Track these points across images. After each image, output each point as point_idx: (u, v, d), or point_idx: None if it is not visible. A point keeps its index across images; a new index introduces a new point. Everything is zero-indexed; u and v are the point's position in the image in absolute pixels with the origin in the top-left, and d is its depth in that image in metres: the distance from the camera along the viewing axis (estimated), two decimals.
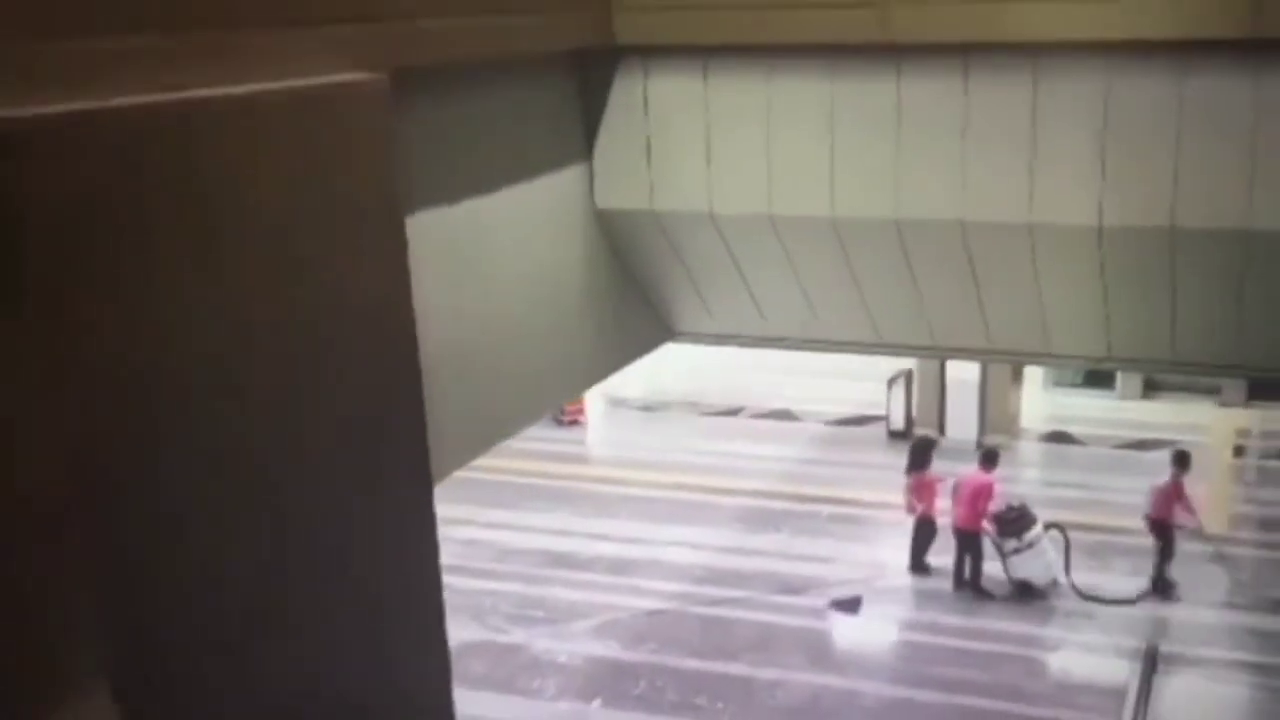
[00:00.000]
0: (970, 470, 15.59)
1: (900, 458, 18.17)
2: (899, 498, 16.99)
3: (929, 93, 6.15)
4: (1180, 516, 15.25)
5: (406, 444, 4.75)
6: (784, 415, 21.72)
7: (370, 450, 4.53)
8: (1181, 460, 15.20)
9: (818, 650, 14.36)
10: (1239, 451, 19.19)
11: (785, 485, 18.81)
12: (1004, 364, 17.09)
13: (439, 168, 5.40)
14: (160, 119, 3.58)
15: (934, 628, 14.63)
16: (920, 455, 16.31)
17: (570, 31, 6.02)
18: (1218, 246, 5.96)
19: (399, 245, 4.62)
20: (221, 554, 3.85)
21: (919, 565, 15.77)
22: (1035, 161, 6.08)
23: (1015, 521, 15.12)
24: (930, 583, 15.68)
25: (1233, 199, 5.79)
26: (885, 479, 18.57)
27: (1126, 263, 6.28)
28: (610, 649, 14.10)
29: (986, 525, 15.13)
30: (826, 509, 17.99)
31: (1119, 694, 13.20)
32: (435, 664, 5.10)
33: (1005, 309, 6.95)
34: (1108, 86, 5.83)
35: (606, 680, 13.43)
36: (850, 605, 15.43)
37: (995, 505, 15.21)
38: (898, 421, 20.39)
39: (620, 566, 16.15)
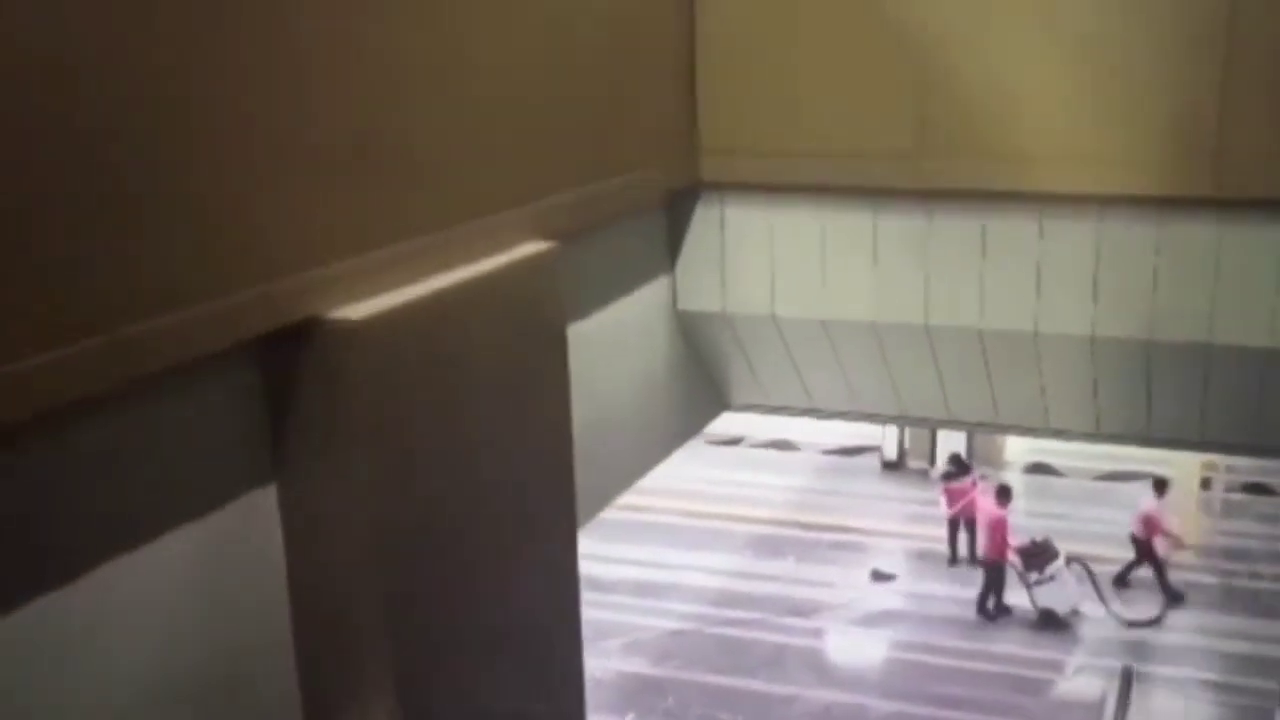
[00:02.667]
0: (988, 504, 17.05)
1: (894, 487, 19.72)
2: (894, 525, 18.62)
3: (954, 227, 7.60)
4: (1161, 535, 16.95)
5: (561, 508, 6.16)
6: (783, 445, 23.15)
7: (538, 515, 5.95)
8: (1160, 486, 16.87)
9: (826, 668, 15.84)
10: (1205, 484, 20.70)
11: (789, 513, 20.27)
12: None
13: (571, 291, 6.80)
14: (434, 304, 5.00)
15: (932, 648, 16.11)
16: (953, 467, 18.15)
17: (670, 178, 7.48)
18: (1186, 355, 7.43)
19: (563, 365, 6.03)
20: (464, 599, 5.28)
21: (996, 609, 17.06)
22: (1041, 284, 7.54)
23: (1038, 555, 16.65)
24: (932, 606, 17.18)
25: (1199, 319, 7.26)
26: (881, 508, 20.10)
27: (1113, 364, 7.74)
28: (638, 665, 15.51)
29: (1011, 558, 16.63)
30: (828, 536, 19.46)
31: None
32: (573, 686, 6.50)
33: (1012, 393, 8.39)
34: (1100, 229, 7.29)
35: (637, 695, 14.85)
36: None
37: (1017, 539, 16.76)
38: (891, 452, 21.87)
39: (643, 589, 17.56)
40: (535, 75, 5.92)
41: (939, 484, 18.81)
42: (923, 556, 18.44)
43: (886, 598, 17.48)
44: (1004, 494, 16.87)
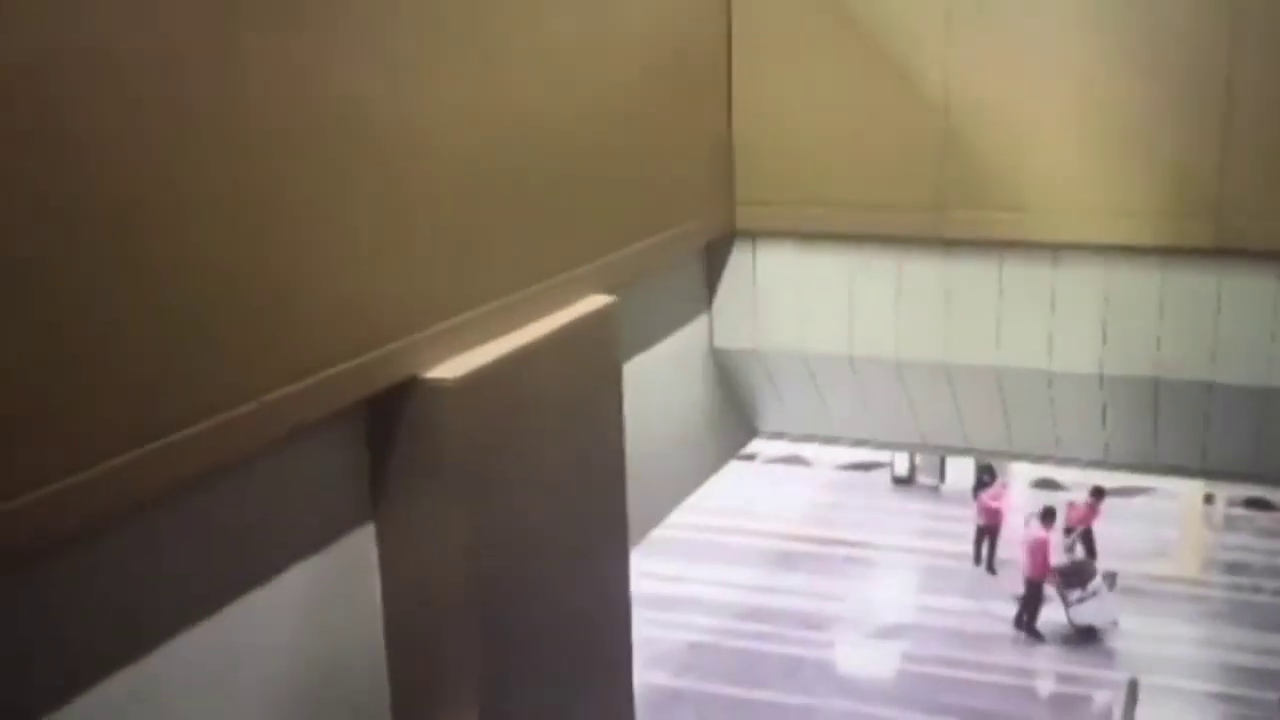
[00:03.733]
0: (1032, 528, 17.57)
1: (905, 503, 20.31)
2: (905, 540, 19.22)
3: (973, 272, 8.18)
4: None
5: (615, 530, 6.75)
6: (796, 460, 23.72)
7: (596, 537, 6.54)
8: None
9: (839, 679, 16.41)
10: (1209, 499, 21.27)
11: (803, 528, 20.83)
12: None
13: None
14: (514, 360, 5.59)
15: (947, 661, 16.68)
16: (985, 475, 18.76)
17: (711, 229, 8.08)
18: (1189, 392, 8.01)
19: (619, 403, 6.62)
20: (534, 619, 5.87)
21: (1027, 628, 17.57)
22: (1053, 326, 8.13)
23: (1077, 574, 17.27)
24: (937, 619, 17.76)
25: (1200, 359, 7.85)
26: (892, 523, 20.66)
27: (1121, 399, 8.31)
28: (661, 678, 16.07)
29: (1053, 577, 17.22)
30: (841, 550, 20.03)
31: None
32: (623, 695, 7.08)
33: (1025, 424, 8.96)
34: (1108, 275, 7.88)
35: (663, 705, 15.41)
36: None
37: (1056, 559, 17.39)
38: (901, 469, 22.45)
39: (663, 602, 18.12)
40: (596, 147, 6.52)
41: (972, 495, 19.52)
42: (934, 571, 19.01)
43: (898, 611, 18.04)
44: (1048, 516, 17.42)
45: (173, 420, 3.97)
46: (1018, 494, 20.15)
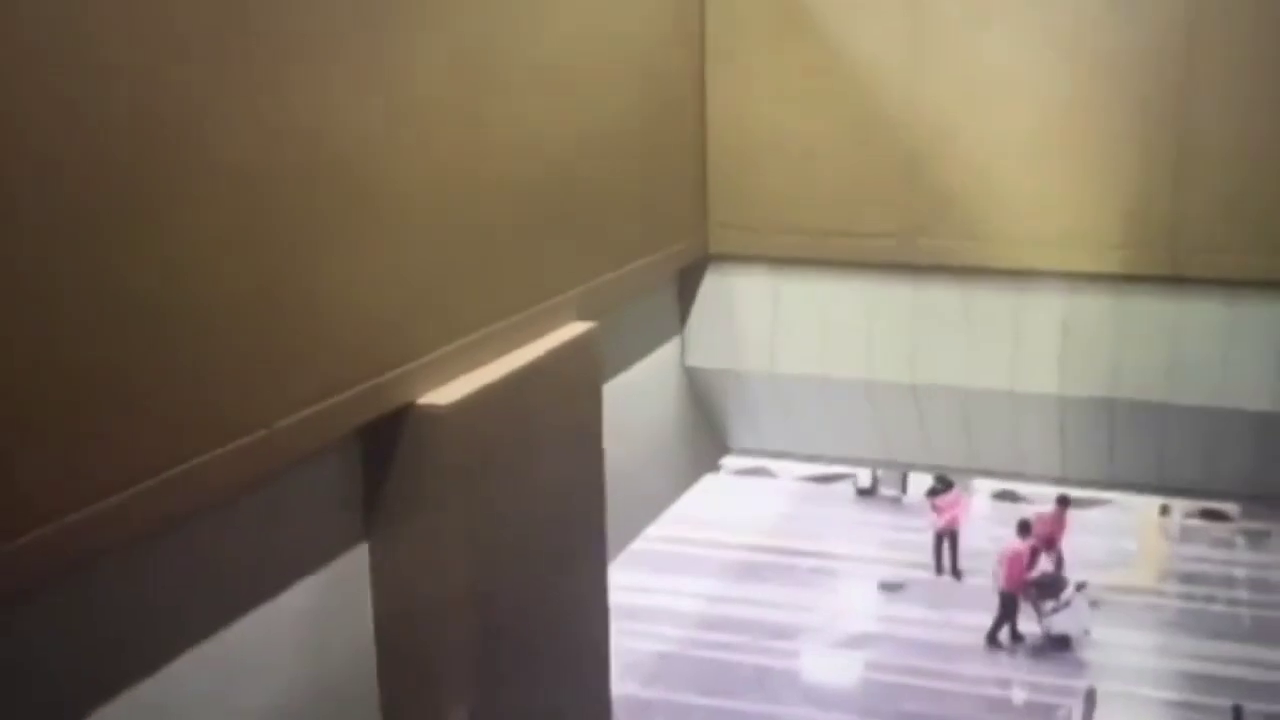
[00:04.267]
0: (1011, 540, 17.91)
1: (868, 514, 20.65)
2: (869, 550, 19.52)
3: (939, 297, 8.48)
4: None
5: (595, 544, 7.00)
6: (760, 472, 23.94)
7: (578, 551, 6.78)
8: (1024, 528, 17.82)
9: (805, 688, 16.69)
10: (1164, 510, 21.66)
11: (768, 539, 21.07)
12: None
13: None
14: (504, 385, 5.82)
15: (908, 669, 16.98)
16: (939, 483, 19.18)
17: (685, 254, 8.35)
18: (1145, 412, 8.33)
19: (599, 423, 6.87)
20: (519, 631, 6.10)
21: (1010, 635, 17.74)
22: (1016, 348, 8.44)
23: (1051, 585, 17.65)
24: (901, 629, 18.06)
25: (1155, 381, 8.17)
26: (855, 534, 20.96)
27: (1079, 418, 8.63)
28: (630, 688, 16.26)
29: (1026, 589, 17.57)
30: (806, 561, 20.30)
31: None
32: (601, 702, 7.32)
33: (988, 442, 9.26)
34: (1069, 301, 8.19)
35: (634, 715, 15.63)
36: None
37: (1032, 571, 17.72)
38: (864, 481, 22.73)
39: (631, 613, 18.30)
40: (577, 180, 6.77)
41: (926, 500, 19.79)
42: (884, 585, 19.31)
43: (863, 621, 18.33)
44: (1024, 528, 17.73)
45: (189, 449, 4.18)
46: (977, 503, 20.53)
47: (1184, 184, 7.63)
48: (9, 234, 3.46)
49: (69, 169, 3.66)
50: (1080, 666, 17.04)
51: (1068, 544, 18.91)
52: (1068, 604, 17.50)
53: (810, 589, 19.40)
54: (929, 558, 19.50)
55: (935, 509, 19.34)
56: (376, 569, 5.65)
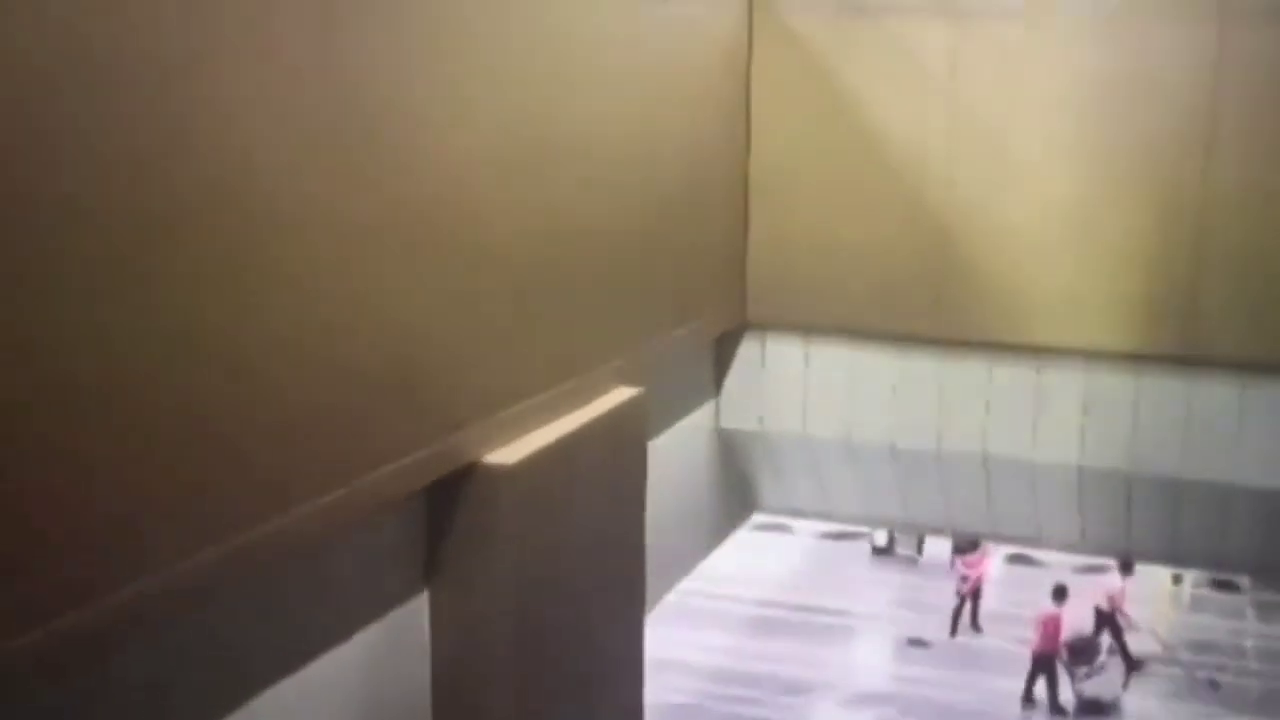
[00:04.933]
0: (1045, 605, 18.28)
1: (883, 573, 20.94)
2: (883, 609, 19.82)
3: (964, 368, 8.87)
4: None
5: (635, 596, 7.38)
6: (779, 528, 24.27)
7: (618, 602, 7.16)
8: (1059, 593, 18.12)
9: None
10: (1177, 579, 21.90)
11: (785, 595, 21.38)
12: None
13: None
14: (560, 446, 6.23)
15: None
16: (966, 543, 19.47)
17: (724, 322, 8.79)
18: (1160, 486, 8.70)
19: (643, 481, 7.27)
20: (563, 680, 6.46)
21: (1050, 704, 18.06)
22: (1037, 420, 8.82)
23: (1086, 650, 18.01)
24: (912, 688, 18.32)
25: (1171, 456, 8.54)
26: (870, 592, 21.25)
27: (1096, 489, 8.99)
28: None
29: (1062, 653, 17.94)
30: (821, 619, 20.59)
31: None
32: None
33: (1008, 508, 9.61)
34: (1088, 376, 8.58)
35: None
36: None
37: (1066, 635, 18.08)
38: (881, 540, 23.04)
39: (649, 664, 18.61)
40: (629, 251, 7.21)
41: (955, 558, 20.21)
42: (911, 641, 19.60)
43: (878, 679, 18.61)
44: (1060, 593, 18.09)
45: (279, 504, 4.58)
46: (995, 565, 20.89)
47: (1201, 270, 8.03)
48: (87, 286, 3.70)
49: (171, 227, 4.01)
50: None
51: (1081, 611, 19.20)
52: (1101, 670, 17.83)
53: (825, 646, 19.67)
54: (945, 618, 19.77)
55: (965, 566, 19.72)
56: (436, 617, 6.03)
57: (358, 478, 4.98)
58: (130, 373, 3.84)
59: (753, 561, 22.44)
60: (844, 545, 23.48)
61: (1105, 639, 18.40)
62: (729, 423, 9.53)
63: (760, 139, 8.70)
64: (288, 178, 4.50)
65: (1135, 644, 18.56)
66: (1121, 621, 18.56)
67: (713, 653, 19.26)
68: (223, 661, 4.67)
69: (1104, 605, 18.41)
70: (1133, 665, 18.35)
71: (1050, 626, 17.72)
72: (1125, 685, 18.02)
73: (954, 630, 19.71)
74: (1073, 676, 17.85)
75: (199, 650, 4.52)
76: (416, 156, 5.28)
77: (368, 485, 5.05)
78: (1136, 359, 8.39)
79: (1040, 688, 17.85)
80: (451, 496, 5.84)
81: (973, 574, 19.65)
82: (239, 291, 4.29)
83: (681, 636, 19.54)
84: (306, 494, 4.71)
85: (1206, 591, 21.60)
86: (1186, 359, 8.27)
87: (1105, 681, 17.93)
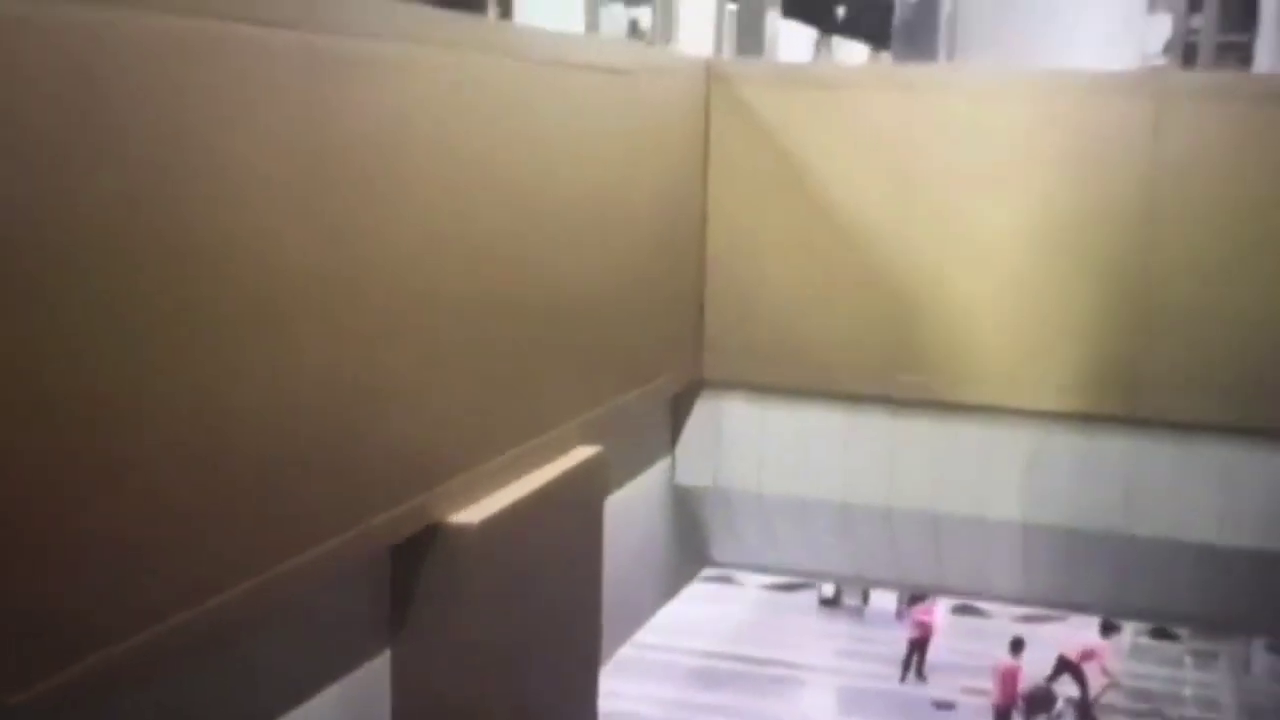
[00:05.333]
0: (1003, 657, 18.76)
1: (830, 624, 21.10)
2: (830, 661, 20.00)
3: (914, 428, 9.05)
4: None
5: (590, 653, 7.47)
6: (725, 579, 24.41)
7: (573, 660, 7.25)
8: (1016, 646, 18.63)
9: None
10: (1110, 628, 22.20)
11: (731, 646, 21.52)
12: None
13: None
14: (523, 505, 6.34)
15: None
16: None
17: (681, 381, 8.94)
18: (1105, 542, 8.91)
19: (599, 540, 7.37)
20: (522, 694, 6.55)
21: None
22: (985, 477, 9.02)
23: (1042, 700, 18.61)
24: None
25: (1115, 514, 8.76)
26: (818, 644, 21.41)
27: (1041, 544, 9.20)
28: None
29: (1019, 703, 18.43)
30: (768, 670, 20.74)
31: None
32: None
33: (956, 563, 9.80)
34: (1035, 436, 8.79)
35: None
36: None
37: (1023, 686, 18.60)
38: (828, 591, 23.25)
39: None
40: (593, 315, 7.35)
41: (908, 609, 20.64)
42: (860, 691, 19.77)
43: None
44: (1016, 646, 18.58)
45: (256, 563, 4.66)
46: (944, 615, 21.27)
47: (1142, 335, 8.29)
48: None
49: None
50: None
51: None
52: (1059, 716, 18.37)
53: (772, 698, 19.80)
54: (890, 668, 20.03)
55: (913, 619, 20.16)
56: (397, 675, 6.10)
57: (323, 542, 5.07)
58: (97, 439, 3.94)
59: (700, 613, 22.56)
60: (791, 597, 23.66)
61: (1061, 689, 18.82)
62: (684, 479, 9.67)
63: (717, 207, 8.89)
64: (267, 243, 4.62)
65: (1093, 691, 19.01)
66: (1090, 675, 19.03)
67: (658, 705, 19.32)
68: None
69: (1072, 656, 18.86)
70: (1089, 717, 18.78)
71: (1009, 678, 18.12)
72: None
73: (904, 677, 20.08)
74: None
75: (171, 706, 4.57)
76: (389, 228, 5.41)
77: (335, 547, 5.13)
78: (1082, 419, 8.62)
79: None
80: (417, 555, 5.93)
81: (927, 620, 20.07)
82: (213, 361, 4.39)
83: (628, 689, 19.60)
84: (275, 559, 4.79)
85: (1146, 640, 21.98)
86: (1130, 420, 8.50)
87: None
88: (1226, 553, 8.54)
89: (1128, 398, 8.47)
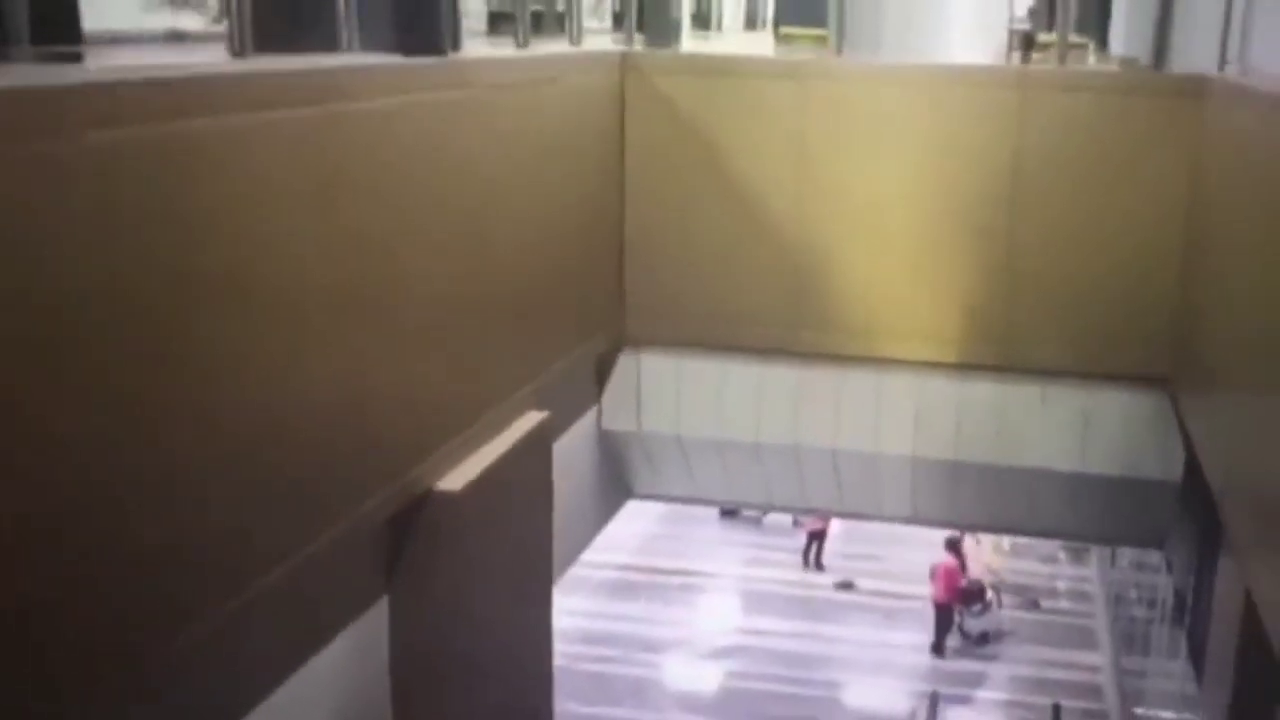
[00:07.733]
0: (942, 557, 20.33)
1: (731, 534, 22.54)
2: (732, 569, 21.45)
3: (819, 377, 10.23)
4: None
5: (544, 579, 8.63)
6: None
7: (533, 586, 8.41)
8: (953, 545, 20.19)
9: (681, 696, 18.47)
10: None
11: (640, 558, 22.84)
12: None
13: None
14: (496, 469, 7.42)
15: (771, 677, 18.88)
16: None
17: (609, 341, 10.05)
18: (981, 471, 10.26)
19: (549, 486, 8.47)
20: (487, 658, 7.69)
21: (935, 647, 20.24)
22: (878, 419, 10.30)
23: (975, 593, 20.24)
24: (766, 641, 19.99)
25: (989, 447, 10.11)
26: (720, 552, 22.85)
27: (928, 474, 10.52)
28: None
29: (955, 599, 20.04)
30: (675, 579, 22.11)
31: None
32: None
33: (854, 490, 11.08)
34: (920, 383, 10.06)
35: None
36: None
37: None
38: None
39: None
40: (536, 289, 8.39)
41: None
42: (762, 596, 21.29)
43: (729, 635, 20.21)
44: (953, 546, 20.15)
45: (294, 539, 5.71)
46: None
47: (1009, 295, 9.56)
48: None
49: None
50: (923, 672, 19.15)
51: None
52: (987, 607, 20.16)
53: (679, 605, 21.18)
54: (790, 573, 21.56)
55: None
56: (395, 618, 7.19)
57: (340, 520, 6.09)
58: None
59: (609, 528, 23.77)
60: (693, 509, 25.01)
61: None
62: (610, 425, 10.80)
63: (634, 186, 9.92)
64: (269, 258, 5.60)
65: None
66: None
67: (576, 616, 20.57)
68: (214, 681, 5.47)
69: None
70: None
71: (949, 577, 19.79)
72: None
73: (805, 562, 21.70)
74: (963, 615, 20.06)
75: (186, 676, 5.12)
76: (388, 242, 6.40)
77: (350, 523, 6.18)
78: (960, 367, 9.91)
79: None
80: (408, 519, 7.00)
81: (815, 522, 21.60)
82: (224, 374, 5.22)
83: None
84: (305, 541, 5.81)
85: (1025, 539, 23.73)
86: (1000, 368, 9.81)
87: (991, 617, 20.29)
88: (1085, 479, 9.94)
89: (998, 349, 9.77)
